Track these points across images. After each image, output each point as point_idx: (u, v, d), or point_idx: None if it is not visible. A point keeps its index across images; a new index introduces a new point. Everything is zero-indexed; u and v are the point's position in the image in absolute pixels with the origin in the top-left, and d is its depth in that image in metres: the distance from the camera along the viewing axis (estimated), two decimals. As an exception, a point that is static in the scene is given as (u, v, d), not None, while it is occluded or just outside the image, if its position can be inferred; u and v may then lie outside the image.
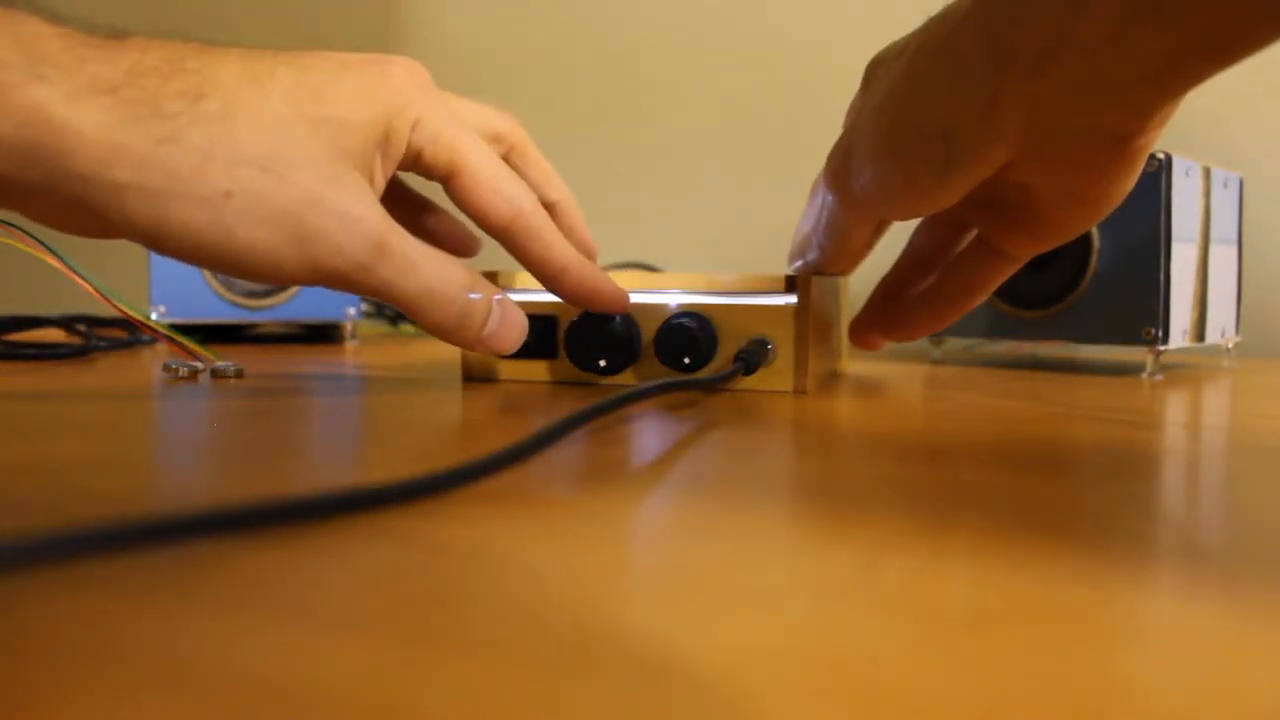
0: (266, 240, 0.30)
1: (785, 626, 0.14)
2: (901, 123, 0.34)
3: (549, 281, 0.38)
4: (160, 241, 0.30)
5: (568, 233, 0.43)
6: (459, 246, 0.45)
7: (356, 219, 0.32)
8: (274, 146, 0.30)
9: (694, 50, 0.90)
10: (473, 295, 0.35)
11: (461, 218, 0.40)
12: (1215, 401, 0.44)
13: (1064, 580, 0.16)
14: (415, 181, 0.41)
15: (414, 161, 0.35)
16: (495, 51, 0.98)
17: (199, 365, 0.47)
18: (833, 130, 0.40)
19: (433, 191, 0.41)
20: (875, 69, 0.38)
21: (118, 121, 0.28)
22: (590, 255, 0.44)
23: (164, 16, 1.12)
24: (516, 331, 0.37)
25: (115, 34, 0.29)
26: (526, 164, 0.43)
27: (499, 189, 0.36)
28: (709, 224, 0.89)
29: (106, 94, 0.28)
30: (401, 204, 0.42)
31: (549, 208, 0.43)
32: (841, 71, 0.55)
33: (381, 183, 0.34)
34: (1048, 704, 0.12)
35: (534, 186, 0.42)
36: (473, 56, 0.99)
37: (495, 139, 0.42)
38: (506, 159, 0.42)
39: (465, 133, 0.36)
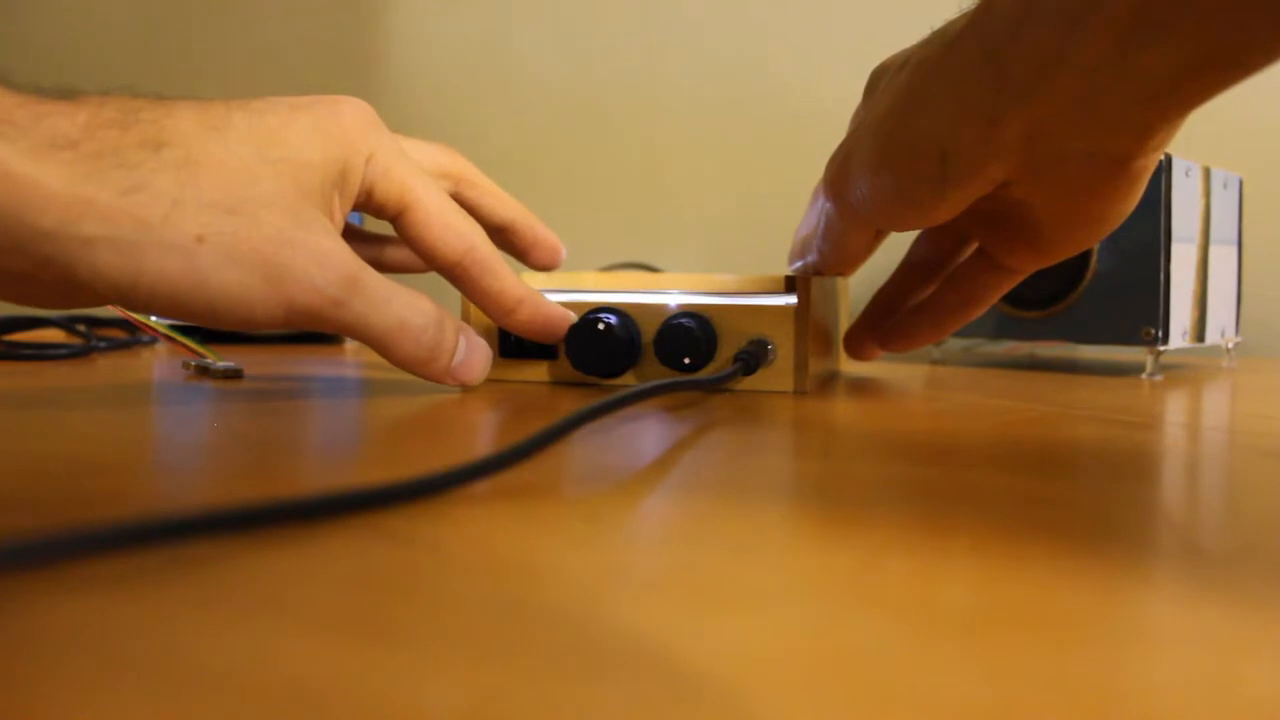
0: (240, 282, 0.30)
1: (785, 626, 0.14)
2: (899, 137, 0.34)
3: (503, 315, 0.39)
4: (133, 294, 0.29)
5: (534, 243, 0.45)
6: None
7: (327, 254, 0.32)
8: (240, 189, 0.30)
9: (694, 49, 0.90)
10: (441, 327, 0.35)
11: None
12: (1215, 401, 0.44)
13: (1064, 580, 0.16)
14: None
15: (366, 198, 0.35)
16: (494, 53, 0.98)
17: (209, 362, 0.47)
18: (832, 132, 0.40)
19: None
20: (878, 78, 0.38)
21: (82, 175, 0.27)
22: (556, 257, 0.46)
23: (150, 56, 1.12)
24: (482, 362, 0.38)
25: (66, 93, 0.29)
26: (479, 192, 0.44)
27: (450, 224, 0.36)
28: (709, 224, 0.89)
29: (67, 149, 0.27)
30: (356, 246, 0.42)
31: (508, 227, 0.44)
32: (840, 73, 0.55)
33: (341, 220, 0.35)
34: (1048, 704, 0.12)
35: (490, 211, 0.44)
36: (472, 56, 0.99)
37: (443, 175, 0.43)
38: (458, 193, 0.43)
39: (414, 169, 0.36)
